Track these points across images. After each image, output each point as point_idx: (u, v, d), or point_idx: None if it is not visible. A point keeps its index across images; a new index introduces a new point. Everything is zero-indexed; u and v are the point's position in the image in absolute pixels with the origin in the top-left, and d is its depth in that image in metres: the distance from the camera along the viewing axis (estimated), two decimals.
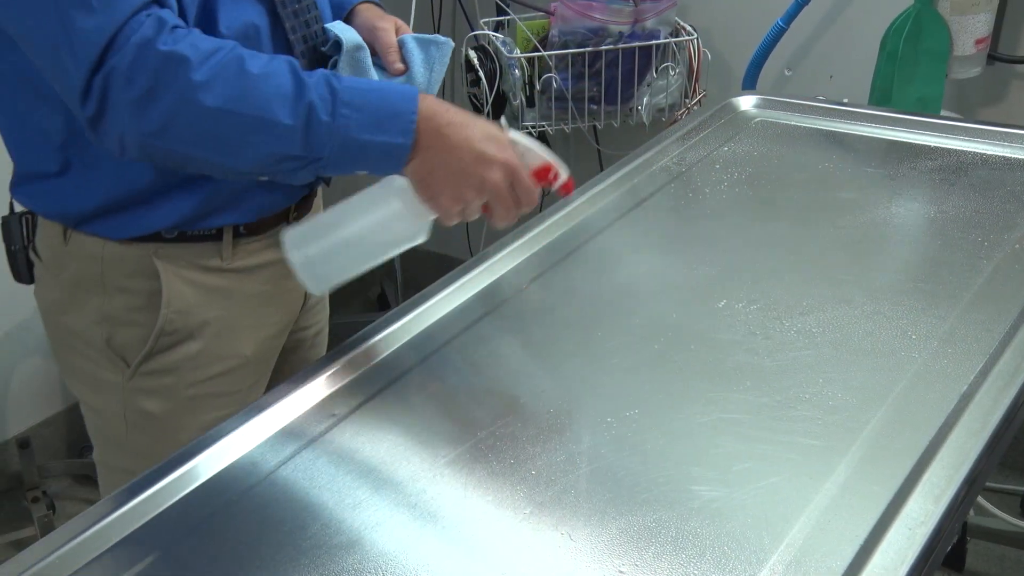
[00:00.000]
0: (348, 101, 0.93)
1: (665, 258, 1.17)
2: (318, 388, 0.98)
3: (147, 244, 1.08)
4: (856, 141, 1.46)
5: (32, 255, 1.17)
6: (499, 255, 1.19)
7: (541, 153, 1.00)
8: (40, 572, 0.79)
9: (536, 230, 1.23)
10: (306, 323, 1.30)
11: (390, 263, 2.75)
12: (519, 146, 0.98)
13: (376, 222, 0.99)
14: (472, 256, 1.20)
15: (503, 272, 1.17)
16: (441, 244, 2.83)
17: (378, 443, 0.91)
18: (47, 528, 2.03)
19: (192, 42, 0.91)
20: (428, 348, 1.04)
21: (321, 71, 0.96)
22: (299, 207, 1.18)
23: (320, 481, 0.87)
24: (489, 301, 1.12)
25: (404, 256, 2.86)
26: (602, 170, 1.41)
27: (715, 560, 0.76)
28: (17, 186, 1.12)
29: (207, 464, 0.90)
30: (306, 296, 1.24)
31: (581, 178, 1.43)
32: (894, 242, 1.20)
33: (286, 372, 1.31)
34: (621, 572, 0.76)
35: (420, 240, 1.01)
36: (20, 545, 1.90)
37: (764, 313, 1.06)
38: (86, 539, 0.82)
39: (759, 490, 0.83)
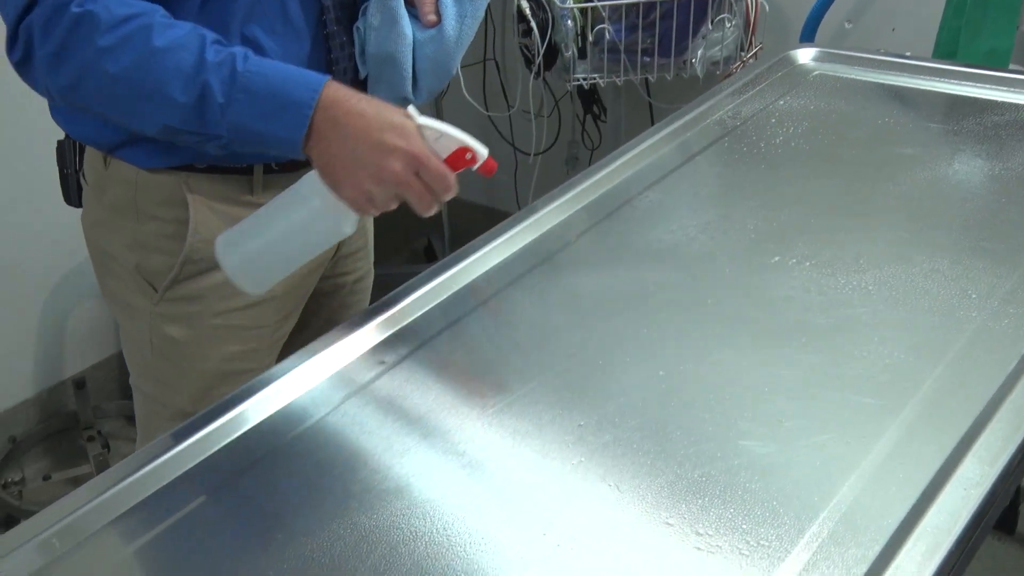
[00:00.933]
0: (245, 87, 0.94)
1: (718, 213, 1.16)
2: (367, 336, 0.99)
3: (178, 173, 1.10)
4: (918, 96, 1.42)
5: (81, 179, 1.20)
6: (547, 208, 1.17)
7: (456, 136, 0.96)
8: (96, 508, 0.81)
9: (585, 184, 1.22)
10: (344, 269, 1.30)
11: (437, 215, 2.75)
12: (430, 132, 0.95)
13: (298, 222, 1.00)
14: (520, 209, 1.19)
15: (551, 225, 1.16)
16: (489, 197, 2.82)
17: (427, 391, 0.91)
18: (102, 466, 2.08)
19: (106, 5, 0.93)
20: (476, 300, 1.04)
21: (238, 49, 0.96)
22: None
23: (369, 427, 0.87)
24: (537, 254, 1.11)
25: (451, 208, 2.87)
26: (653, 124, 1.38)
27: (763, 515, 0.76)
28: (56, 111, 1.15)
29: (257, 409, 0.90)
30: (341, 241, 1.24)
31: (632, 132, 1.42)
32: (955, 199, 1.17)
33: (323, 317, 1.32)
34: (668, 524, 0.75)
35: (347, 233, 1.01)
36: (77, 481, 1.94)
37: (819, 270, 1.04)
38: (139, 478, 0.83)
39: (810, 447, 0.82)
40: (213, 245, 1.08)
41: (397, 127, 0.94)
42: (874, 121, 1.35)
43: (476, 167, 0.97)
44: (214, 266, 1.11)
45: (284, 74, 0.97)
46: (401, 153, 0.93)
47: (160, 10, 0.96)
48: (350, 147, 0.94)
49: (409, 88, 1.12)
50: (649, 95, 2.37)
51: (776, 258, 1.06)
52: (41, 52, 0.94)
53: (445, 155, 0.95)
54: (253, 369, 1.19)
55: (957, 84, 1.42)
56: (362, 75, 1.13)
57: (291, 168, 1.14)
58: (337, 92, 0.95)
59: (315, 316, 1.30)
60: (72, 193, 1.23)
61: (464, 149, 0.96)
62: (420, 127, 0.95)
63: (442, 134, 0.95)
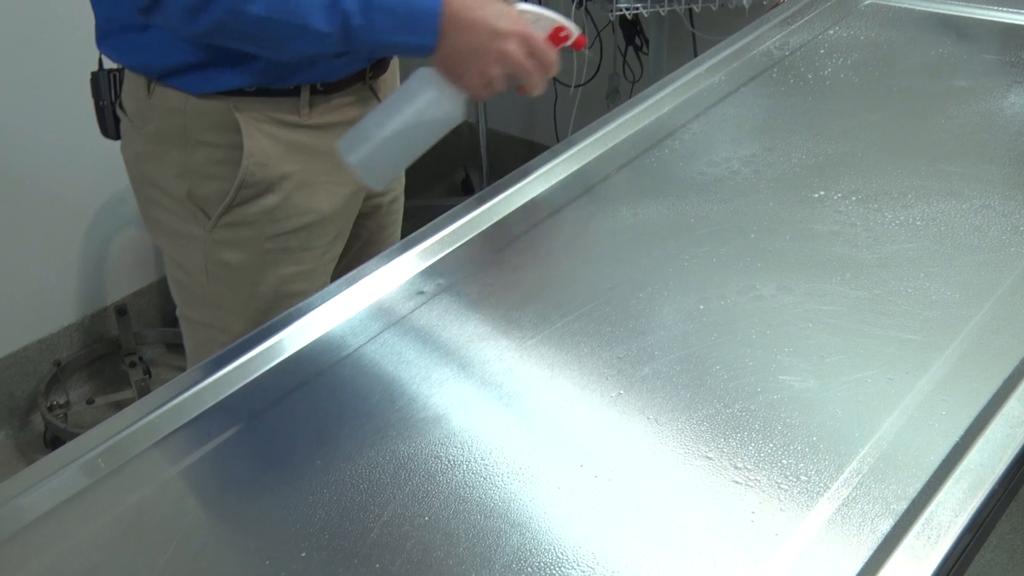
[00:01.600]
0: (379, 5, 1.00)
1: (762, 146, 1.13)
2: (406, 267, 0.98)
3: (228, 98, 1.12)
4: (974, 26, 1.37)
5: (119, 111, 1.21)
6: (587, 141, 1.16)
7: (552, 17, 1.06)
8: (137, 431, 0.82)
9: (626, 116, 1.19)
10: (382, 189, 1.32)
11: (476, 148, 2.73)
12: (529, 14, 1.05)
13: (416, 112, 1.06)
14: (559, 142, 1.17)
15: (591, 158, 1.14)
16: (527, 130, 2.80)
17: (465, 323, 0.91)
18: (143, 391, 2.11)
19: None
20: (514, 232, 1.03)
21: None
22: (375, 67, 1.20)
23: (407, 357, 0.87)
24: (576, 187, 1.10)
25: (490, 141, 2.84)
26: (696, 56, 1.35)
27: (803, 450, 0.75)
28: (103, 39, 1.15)
29: (295, 337, 0.91)
30: None
31: (675, 64, 1.39)
32: (1010, 133, 1.14)
33: (363, 238, 1.34)
34: (707, 457, 0.75)
35: (460, 119, 1.08)
36: (119, 405, 1.98)
37: (865, 204, 1.02)
38: (180, 403, 0.84)
39: (851, 383, 0.81)
40: (267, 168, 1.12)
41: (506, 15, 1.03)
42: (927, 52, 1.31)
43: (570, 43, 1.07)
44: (267, 189, 1.14)
45: None
46: (515, 36, 1.02)
47: None
48: (471, 39, 1.02)
49: None
50: (693, 26, 2.32)
51: (821, 192, 1.04)
52: (177, 5, 0.99)
53: (545, 35, 1.05)
54: (307, 291, 1.21)
55: (1015, 13, 1.37)
56: None
57: (335, 89, 1.16)
58: None
59: (355, 238, 1.32)
60: (109, 125, 1.23)
61: (560, 28, 1.06)
62: (521, 11, 1.04)
63: (540, 16, 1.05)
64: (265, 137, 1.13)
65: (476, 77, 1.03)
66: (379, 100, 1.22)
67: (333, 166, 1.17)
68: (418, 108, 1.05)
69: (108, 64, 1.20)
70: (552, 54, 1.05)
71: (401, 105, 1.06)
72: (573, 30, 1.06)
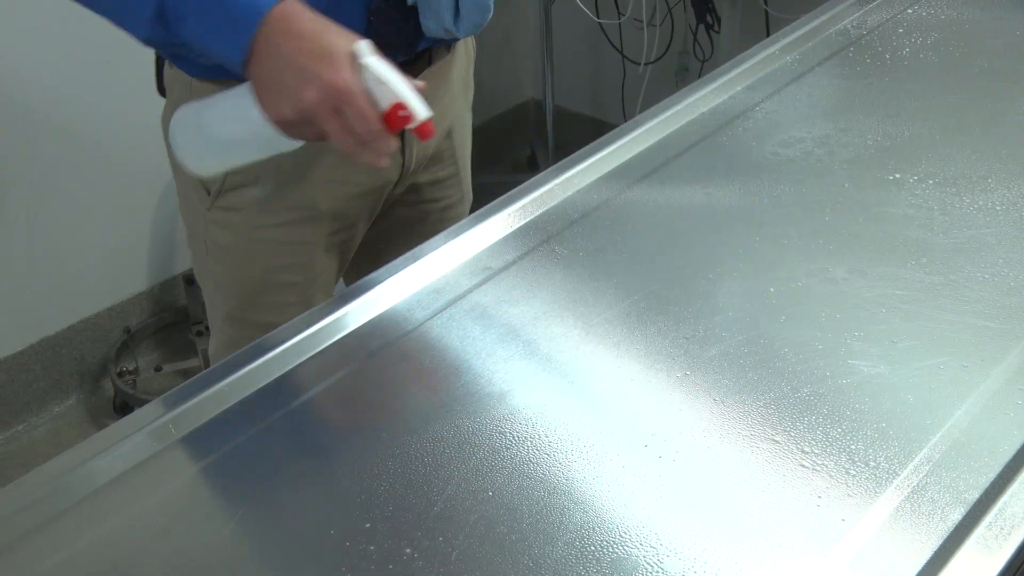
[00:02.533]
0: (196, 1, 0.90)
1: (836, 127, 1.11)
2: (471, 243, 0.99)
3: (227, 82, 1.03)
4: None
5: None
6: (655, 120, 1.15)
7: (395, 88, 0.87)
8: (206, 399, 0.83)
9: (696, 96, 1.18)
10: (432, 196, 1.27)
11: (542, 125, 2.73)
12: (371, 75, 0.87)
13: (241, 123, 0.94)
14: (626, 120, 1.17)
15: (659, 138, 1.13)
16: (595, 108, 2.79)
17: (531, 299, 0.91)
18: (209, 360, 2.15)
19: None
20: (579, 211, 1.02)
21: None
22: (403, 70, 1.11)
23: (473, 333, 0.88)
24: (643, 167, 1.09)
25: (556, 118, 2.83)
26: (769, 35, 1.33)
27: (872, 436, 0.74)
28: None
29: (360, 311, 0.91)
30: (404, 162, 1.19)
31: (747, 43, 1.37)
32: None
33: (413, 244, 1.20)
34: (774, 440, 0.74)
35: (283, 149, 0.95)
36: (187, 374, 2.02)
37: (942, 188, 1.00)
38: (247, 372, 0.85)
39: (924, 369, 0.79)
40: None
41: (328, 56, 0.87)
42: (1011, 32, 1.27)
43: (410, 127, 0.88)
44: (253, 180, 1.11)
45: None
46: (320, 84, 0.86)
47: None
48: (278, 68, 0.88)
49: (451, 20, 1.08)
50: (766, 4, 2.28)
51: (897, 175, 1.03)
52: None
53: (384, 106, 0.87)
54: (299, 282, 1.20)
55: None
56: (410, 1, 1.07)
57: None
58: (288, 9, 0.89)
59: (397, 238, 1.27)
60: (161, 85, 1.22)
61: (398, 105, 0.87)
62: (362, 66, 0.87)
63: (381, 83, 0.87)
64: None
65: (273, 111, 0.90)
66: None
67: (336, 165, 1.13)
68: (243, 119, 0.93)
69: None
70: (371, 122, 0.87)
71: (232, 107, 0.95)
72: (416, 112, 0.87)
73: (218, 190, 1.14)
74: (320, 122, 0.88)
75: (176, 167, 1.21)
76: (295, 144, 0.95)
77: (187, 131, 1.01)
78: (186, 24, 0.91)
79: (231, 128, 0.97)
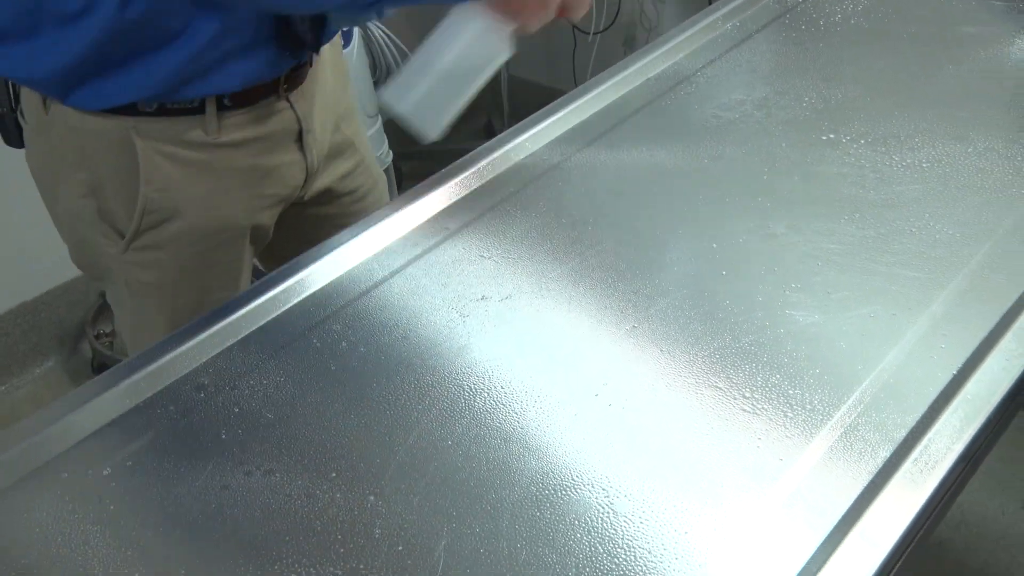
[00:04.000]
0: None
1: (774, 90, 1.11)
2: (430, 205, 0.97)
3: (126, 118, 0.97)
4: None
5: (20, 119, 1.07)
6: (604, 86, 1.14)
7: None
8: (176, 357, 0.82)
9: (642, 62, 1.17)
10: (342, 189, 1.20)
11: (497, 94, 2.70)
12: None
13: (465, 48, 0.94)
14: (577, 86, 1.15)
15: (608, 102, 1.12)
16: (548, 76, 2.76)
17: (487, 258, 0.90)
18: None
19: None
20: (532, 173, 1.01)
21: None
22: (289, 78, 1.05)
23: (431, 291, 0.87)
24: (593, 130, 1.08)
25: (511, 87, 2.79)
26: (711, 2, 1.32)
27: (808, 381, 0.75)
28: None
29: (321, 271, 0.90)
30: (307, 164, 1.13)
31: (690, 12, 1.36)
32: (1015, 79, 1.11)
33: (326, 231, 1.15)
34: (717, 387, 0.75)
35: (508, 54, 0.95)
36: None
37: (873, 147, 1.00)
38: (215, 332, 0.84)
39: (856, 318, 0.80)
40: (168, 193, 1.00)
41: None
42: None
43: None
44: (174, 214, 1.03)
45: None
46: None
47: None
48: None
49: None
50: None
51: (831, 135, 1.03)
52: None
53: None
54: (220, 299, 1.09)
55: None
56: None
57: (245, 102, 1.02)
58: None
59: (318, 230, 1.19)
60: (12, 134, 1.10)
61: None
62: None
63: None
64: (165, 159, 0.99)
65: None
66: (296, 114, 1.07)
67: (248, 183, 1.07)
68: (466, 43, 0.94)
69: None
70: None
71: (447, 42, 0.94)
72: None
73: (134, 232, 1.04)
74: None
75: (68, 242, 1.13)
76: (511, 47, 0.95)
77: (409, 95, 0.95)
78: None
79: (456, 61, 0.94)
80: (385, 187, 1.31)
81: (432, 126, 0.97)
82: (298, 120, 1.08)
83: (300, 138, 1.09)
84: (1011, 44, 1.17)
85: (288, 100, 1.06)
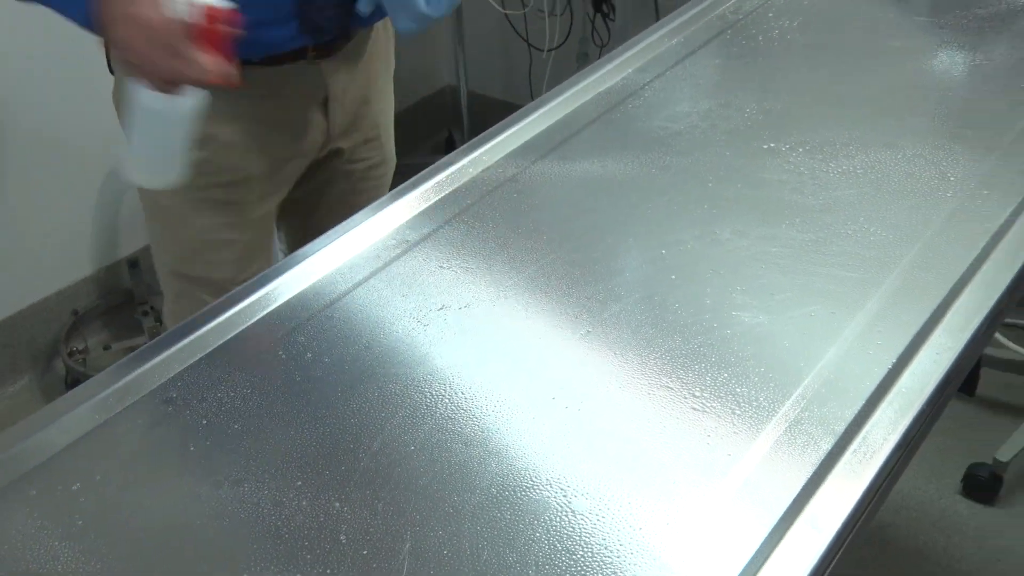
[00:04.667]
0: None
1: (717, 102, 1.12)
2: (391, 218, 0.97)
3: None
4: None
5: None
6: (557, 100, 1.14)
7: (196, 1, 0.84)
8: (146, 372, 0.81)
9: (593, 76, 1.18)
10: (357, 156, 1.27)
11: (458, 109, 2.70)
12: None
13: (144, 114, 0.91)
14: (533, 100, 1.16)
15: (561, 116, 1.12)
16: (505, 91, 2.76)
17: (447, 268, 0.90)
18: (155, 337, 2.09)
19: None
20: (490, 185, 1.01)
21: None
22: (318, 49, 1.10)
23: (394, 301, 0.86)
24: (548, 143, 1.08)
25: (470, 103, 2.79)
26: (658, 19, 1.33)
27: (754, 379, 0.75)
28: None
29: (288, 284, 0.89)
30: (328, 128, 1.19)
31: (639, 29, 1.36)
32: (939, 89, 1.13)
33: (336, 197, 1.29)
34: (668, 387, 0.75)
35: (191, 105, 0.90)
36: (134, 351, 1.96)
37: (811, 155, 1.01)
38: (184, 345, 0.83)
39: (798, 317, 0.81)
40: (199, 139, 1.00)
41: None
42: (865, 15, 1.29)
43: (222, 25, 0.85)
44: (194, 146, 1.04)
45: None
46: (124, 18, 0.85)
47: None
48: (117, 25, 0.87)
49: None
50: None
51: (772, 144, 1.03)
52: None
53: (193, 17, 0.84)
54: (236, 240, 1.18)
55: None
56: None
57: (275, 62, 1.07)
58: None
59: (327, 196, 1.28)
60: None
61: (208, 10, 0.84)
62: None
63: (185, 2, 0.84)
64: None
65: (129, 67, 0.88)
66: (325, 80, 1.14)
67: (266, 132, 1.12)
68: (142, 111, 0.91)
69: None
70: (173, 35, 0.83)
71: (134, 118, 0.92)
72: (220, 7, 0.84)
73: None
74: (145, 58, 0.85)
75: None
76: (198, 97, 0.89)
77: (136, 166, 0.97)
78: None
79: (150, 120, 0.92)
80: (392, 167, 1.36)
81: (167, 178, 0.98)
82: (325, 87, 1.14)
83: (325, 103, 1.15)
84: (934, 56, 1.18)
85: (319, 66, 1.12)
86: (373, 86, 1.24)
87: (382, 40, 1.23)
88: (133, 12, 0.84)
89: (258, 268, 1.16)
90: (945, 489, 1.84)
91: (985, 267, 0.85)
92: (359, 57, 1.19)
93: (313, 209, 1.28)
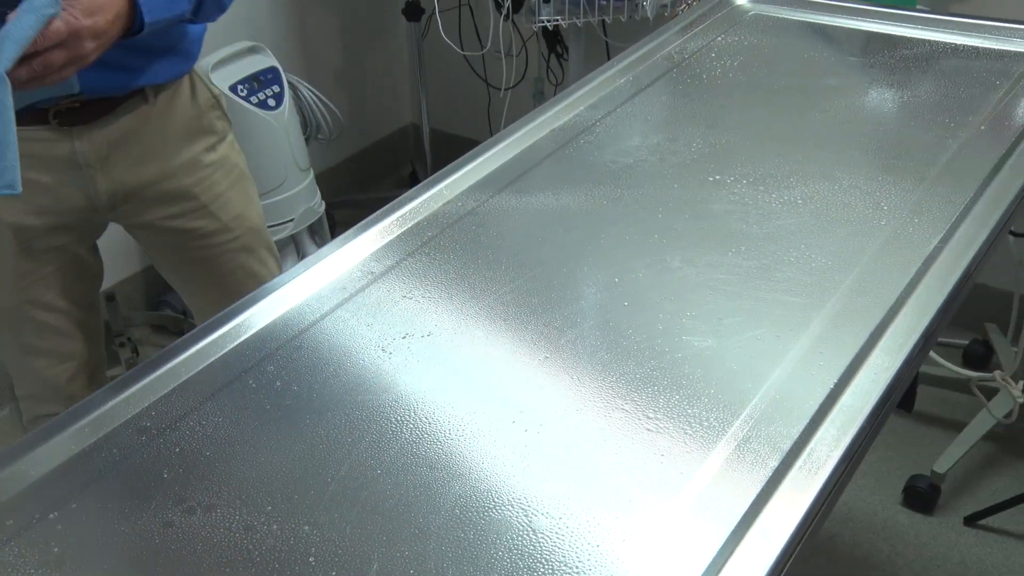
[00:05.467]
0: None
1: (665, 137, 1.13)
2: (356, 250, 0.96)
3: None
4: (839, 33, 1.38)
5: None
6: (514, 136, 1.14)
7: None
8: (119, 403, 0.79)
9: (549, 113, 1.18)
10: (182, 226, 1.23)
11: (420, 145, 2.70)
12: None
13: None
14: (491, 137, 1.16)
15: (519, 151, 1.12)
16: (465, 128, 2.77)
17: (410, 298, 0.89)
18: (132, 367, 2.05)
19: None
20: (450, 218, 1.01)
21: None
22: (61, 113, 1.08)
23: (358, 331, 0.85)
24: (506, 176, 1.08)
25: (432, 139, 2.79)
26: (609, 59, 1.34)
27: (705, 400, 0.75)
28: None
29: (259, 315, 0.88)
30: (89, 194, 1.15)
31: (591, 68, 1.38)
32: (871, 123, 1.15)
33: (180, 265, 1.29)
34: (623, 410, 0.75)
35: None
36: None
37: (754, 186, 1.02)
38: (157, 377, 0.82)
39: (745, 340, 0.81)
40: None
41: None
42: (801, 55, 1.31)
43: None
44: None
45: None
46: None
47: None
48: None
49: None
50: (606, 35, 2.31)
51: (717, 176, 1.04)
52: None
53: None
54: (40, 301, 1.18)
55: (872, 22, 1.39)
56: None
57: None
58: None
59: (177, 260, 1.29)
60: None
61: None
62: None
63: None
64: None
65: None
66: (73, 147, 1.10)
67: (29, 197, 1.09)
68: None
69: None
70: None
71: None
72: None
73: None
74: None
75: None
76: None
77: None
78: None
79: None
80: (248, 234, 1.30)
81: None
82: (74, 152, 1.09)
83: (79, 168, 1.11)
84: (866, 94, 1.21)
85: (63, 132, 1.08)
86: (175, 159, 1.19)
87: (163, 106, 1.17)
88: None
89: None
90: (887, 500, 1.86)
91: (918, 290, 0.86)
92: (125, 127, 1.13)
93: (170, 271, 1.30)
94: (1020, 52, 1.28)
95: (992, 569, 1.72)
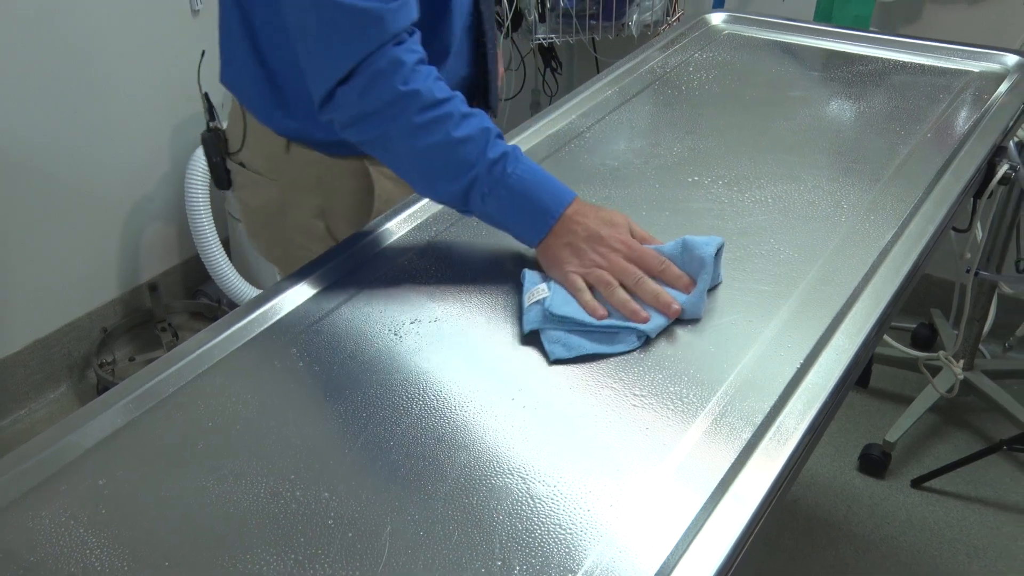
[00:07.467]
0: (509, 185, 0.83)
1: (649, 142, 1.12)
2: (371, 245, 0.95)
3: (362, 157, 1.03)
4: (803, 51, 1.37)
5: (231, 164, 1.11)
6: (515, 140, 1.12)
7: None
8: (157, 384, 0.78)
9: (543, 122, 1.17)
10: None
11: None
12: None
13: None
14: None
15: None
16: None
17: (419, 287, 0.87)
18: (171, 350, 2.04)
19: (429, 86, 0.83)
20: (457, 214, 0.98)
21: (511, 148, 0.85)
22: None
23: (372, 316, 0.84)
24: None
25: None
26: (599, 73, 1.33)
27: (684, 379, 0.74)
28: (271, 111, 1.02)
29: (281, 305, 0.87)
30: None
31: (582, 80, 1.36)
32: (832, 131, 1.13)
33: None
34: (613, 388, 0.73)
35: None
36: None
37: (729, 187, 1.01)
38: (192, 359, 0.80)
39: (721, 326, 0.80)
40: (388, 203, 1.00)
41: (613, 223, 0.84)
42: (770, 70, 1.30)
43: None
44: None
45: (543, 182, 0.85)
46: (612, 238, 0.83)
47: (459, 96, 0.85)
48: (572, 239, 0.83)
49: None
50: (595, 51, 2.29)
51: (695, 177, 1.03)
52: (352, 110, 0.84)
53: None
54: None
55: (832, 41, 1.38)
56: None
57: None
58: (578, 206, 0.85)
59: None
60: (222, 178, 1.12)
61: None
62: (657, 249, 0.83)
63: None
64: (388, 180, 1.06)
65: (559, 271, 0.83)
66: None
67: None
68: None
69: (214, 124, 1.10)
70: (649, 258, 0.81)
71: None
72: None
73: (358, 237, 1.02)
74: (614, 267, 0.82)
75: (277, 246, 1.12)
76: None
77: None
78: (489, 202, 0.84)
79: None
80: None
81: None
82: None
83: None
84: (827, 105, 1.19)
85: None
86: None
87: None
88: (614, 234, 0.84)
89: None
90: (844, 466, 1.85)
91: (874, 280, 0.85)
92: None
93: None
94: (960, 70, 1.27)
95: (934, 524, 1.72)
